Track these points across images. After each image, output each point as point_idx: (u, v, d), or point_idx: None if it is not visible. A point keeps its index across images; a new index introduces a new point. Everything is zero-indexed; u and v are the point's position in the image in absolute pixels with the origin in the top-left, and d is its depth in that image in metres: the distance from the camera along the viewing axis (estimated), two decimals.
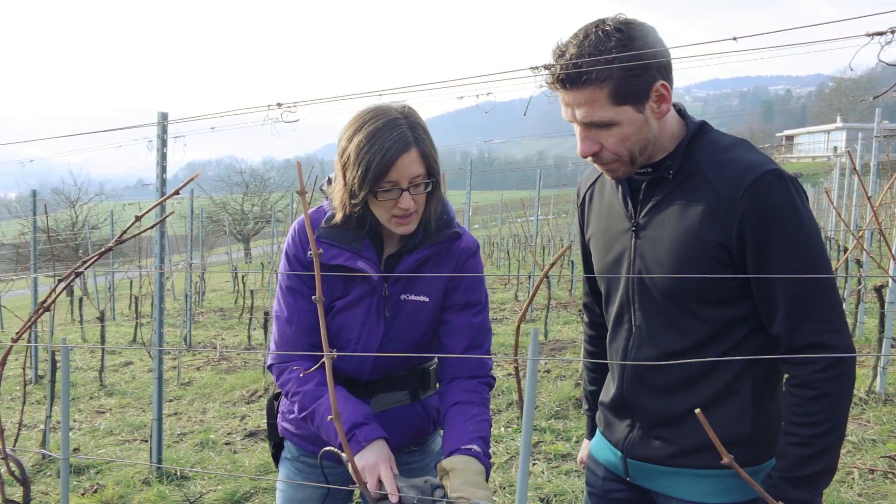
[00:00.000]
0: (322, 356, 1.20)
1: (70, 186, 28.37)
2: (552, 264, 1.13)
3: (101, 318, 6.82)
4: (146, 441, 4.95)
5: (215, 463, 4.47)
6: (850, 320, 7.63)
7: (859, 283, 7.33)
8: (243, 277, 12.20)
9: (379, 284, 1.74)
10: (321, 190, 1.84)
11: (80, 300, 10.41)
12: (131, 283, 11.91)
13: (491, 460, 1.68)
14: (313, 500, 1.92)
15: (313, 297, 1.61)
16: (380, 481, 1.57)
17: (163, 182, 4.21)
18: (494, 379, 1.85)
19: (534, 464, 4.29)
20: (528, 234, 11.72)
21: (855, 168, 3.43)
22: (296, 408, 1.74)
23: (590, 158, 1.49)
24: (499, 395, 5.75)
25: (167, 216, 1.99)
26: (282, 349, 1.78)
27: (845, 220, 11.98)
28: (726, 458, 1.02)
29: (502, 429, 4.93)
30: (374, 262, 1.74)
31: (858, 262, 6.89)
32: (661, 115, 1.44)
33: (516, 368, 1.41)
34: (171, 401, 6.25)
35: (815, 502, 1.41)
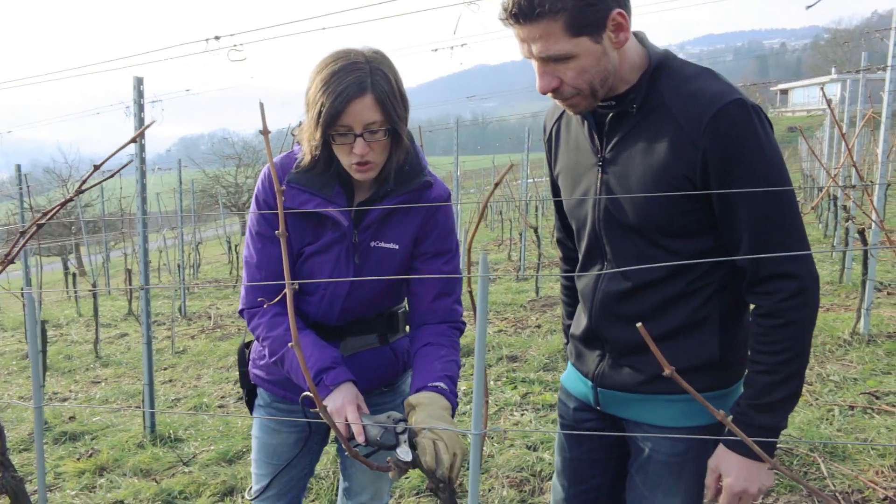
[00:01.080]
0: (290, 295, 1.21)
1: (61, 165, 28.16)
2: (496, 185, 1.14)
3: (94, 294, 6.86)
4: (140, 407, 5.02)
5: (208, 425, 4.54)
6: (836, 267, 7.68)
7: (847, 231, 7.35)
8: (236, 247, 12.22)
9: (349, 231, 1.75)
10: (292, 134, 1.84)
11: (74, 276, 10.44)
12: (126, 257, 11.92)
13: (458, 399, 1.71)
14: (287, 447, 1.95)
15: (276, 231, 1.63)
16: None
17: (142, 148, 4.20)
18: (465, 324, 1.87)
19: (522, 414, 4.36)
20: (519, 196, 11.72)
21: (834, 117, 3.43)
22: (266, 352, 1.77)
23: (550, 95, 1.48)
24: (488, 350, 5.81)
25: (128, 163, 1.99)
26: (251, 294, 1.80)
27: (827, 166, 11.96)
28: (667, 370, 1.04)
29: (492, 382, 5.00)
30: (346, 211, 1.75)
31: (846, 209, 6.91)
32: (619, 44, 1.42)
33: (470, 293, 1.42)
34: (165, 369, 6.31)
35: (781, 426, 1.45)
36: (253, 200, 1.81)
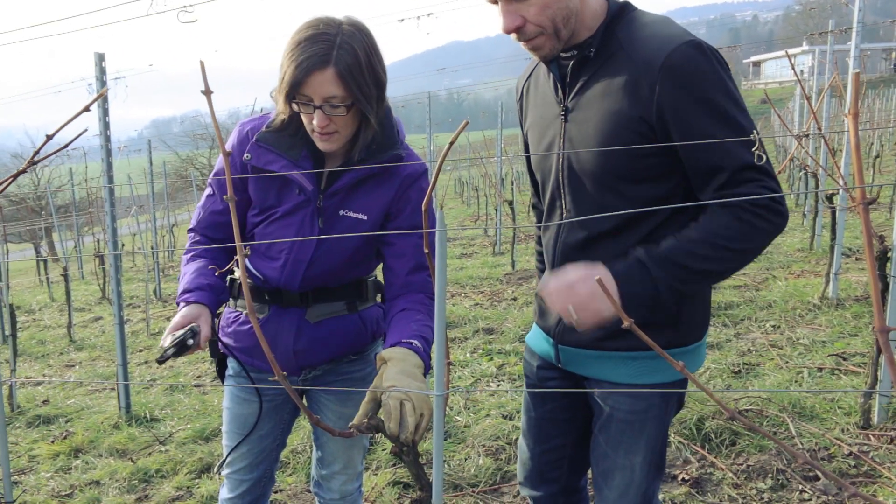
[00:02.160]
0: (234, 251, 1.21)
1: (29, 149, 27.61)
2: (449, 146, 1.13)
3: (66, 276, 6.76)
4: (114, 389, 4.98)
5: (185, 404, 4.52)
6: (807, 235, 7.79)
7: (816, 199, 7.46)
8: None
9: (313, 196, 1.73)
10: (270, 96, 1.82)
11: (46, 262, 10.30)
12: (98, 242, 11.75)
13: (429, 361, 1.71)
14: (257, 416, 1.94)
15: (224, 196, 1.61)
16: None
17: (106, 125, 4.12)
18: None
19: (498, 384, 4.39)
20: (495, 172, 11.73)
21: (802, 87, 3.46)
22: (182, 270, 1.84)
23: (514, 37, 1.47)
24: (465, 323, 5.83)
25: (82, 133, 1.96)
26: (199, 225, 1.88)
27: (796, 133, 12.06)
28: (626, 322, 1.04)
29: (468, 354, 5.02)
30: (311, 175, 1.73)
31: (815, 177, 7.00)
32: None
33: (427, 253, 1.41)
34: (141, 350, 6.26)
35: (659, 287, 1.40)
36: (219, 157, 1.81)
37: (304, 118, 1.65)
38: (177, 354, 1.60)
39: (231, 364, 1.98)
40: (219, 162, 1.85)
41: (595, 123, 1.47)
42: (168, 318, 7.51)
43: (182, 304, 1.71)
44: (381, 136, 1.73)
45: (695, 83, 1.36)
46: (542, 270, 1.90)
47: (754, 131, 1.38)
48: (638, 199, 1.48)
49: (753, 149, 1.37)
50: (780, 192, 1.37)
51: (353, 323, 1.91)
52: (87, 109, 1.64)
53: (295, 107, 1.62)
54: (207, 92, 1.20)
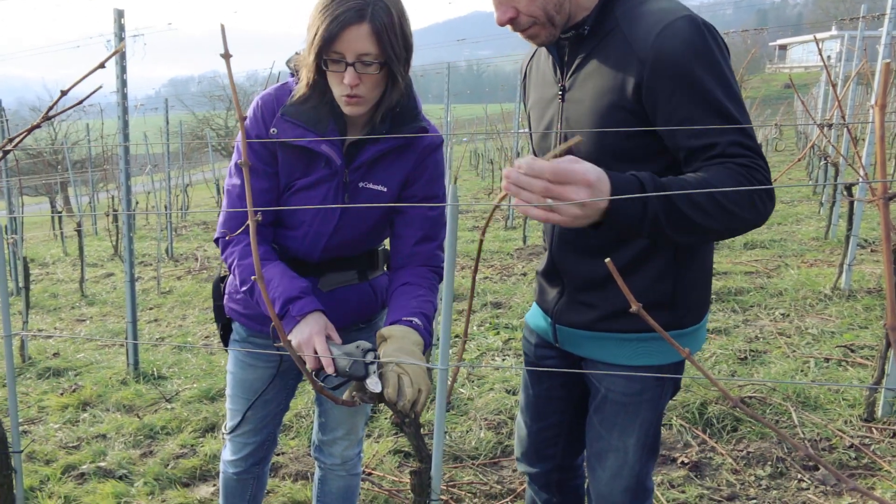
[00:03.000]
0: (252, 228, 1.19)
1: (46, 103, 27.68)
2: (496, 205, 1.12)
3: (80, 232, 6.81)
4: (123, 344, 5.04)
5: (192, 363, 4.57)
6: (823, 224, 7.71)
7: (835, 189, 7.37)
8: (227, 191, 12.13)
9: (341, 169, 1.72)
10: (287, 65, 1.79)
11: (60, 217, 10.37)
12: (112, 199, 11.83)
13: (432, 337, 1.71)
14: (262, 381, 1.96)
15: (239, 161, 1.59)
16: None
17: (123, 83, 4.11)
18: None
19: (503, 359, 4.41)
20: (511, 145, 11.68)
21: (829, 74, 3.39)
22: (237, 281, 1.76)
23: (510, 28, 1.46)
24: (474, 296, 5.83)
25: (97, 89, 1.95)
26: (229, 223, 1.78)
27: (819, 121, 11.89)
28: (634, 306, 1.03)
29: (475, 328, 5.04)
30: (338, 146, 1.71)
31: (836, 166, 6.90)
32: None
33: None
34: (151, 308, 6.32)
35: (648, 222, 1.23)
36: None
37: (332, 79, 1.61)
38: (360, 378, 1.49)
39: (237, 329, 1.99)
40: (238, 139, 1.81)
41: (589, 103, 1.45)
42: (179, 278, 7.57)
43: (298, 317, 1.62)
44: (405, 104, 1.71)
45: (683, 60, 1.30)
46: (546, 249, 1.89)
47: (745, 124, 1.31)
48: None
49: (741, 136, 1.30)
50: (771, 182, 1.30)
51: (364, 292, 1.92)
52: (102, 66, 1.63)
53: (324, 66, 1.59)
54: (227, 55, 1.19)
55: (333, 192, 1.75)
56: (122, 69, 4.08)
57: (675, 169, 1.42)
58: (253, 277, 1.30)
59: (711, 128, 1.30)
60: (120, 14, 4.05)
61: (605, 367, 1.60)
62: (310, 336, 1.59)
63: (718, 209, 1.25)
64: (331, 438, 2.08)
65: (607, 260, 1.01)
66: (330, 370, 1.54)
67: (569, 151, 1.41)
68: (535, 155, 1.72)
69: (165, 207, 8.74)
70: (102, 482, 3.06)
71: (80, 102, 1.69)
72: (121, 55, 4.02)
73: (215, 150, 26.77)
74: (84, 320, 6.09)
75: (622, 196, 1.18)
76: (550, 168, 1.12)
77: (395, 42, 1.57)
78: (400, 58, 1.60)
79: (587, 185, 1.14)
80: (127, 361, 4.45)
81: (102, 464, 3.23)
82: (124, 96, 4.13)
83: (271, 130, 1.70)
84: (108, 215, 8.15)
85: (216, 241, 1.82)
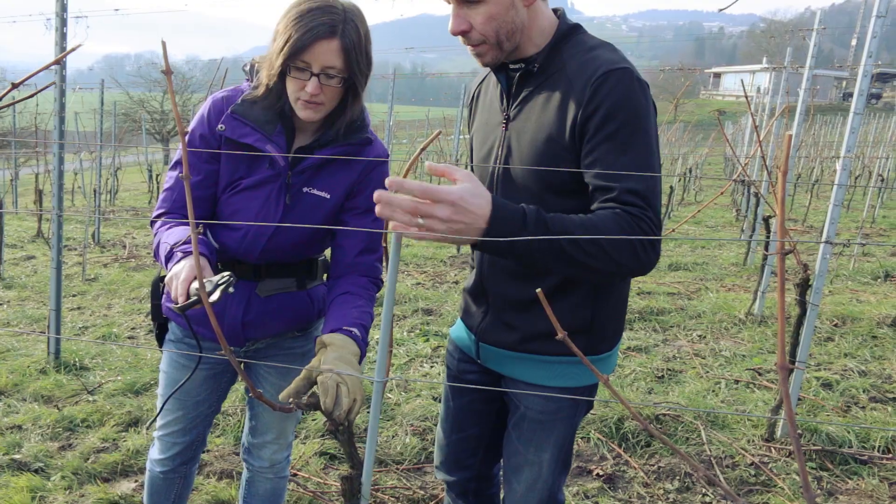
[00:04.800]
0: (194, 238, 1.23)
1: None
2: (423, 148, 1.19)
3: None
4: (45, 333, 4.89)
5: (116, 355, 4.48)
6: (742, 250, 8.11)
7: (755, 217, 7.76)
8: (157, 177, 11.82)
9: (283, 171, 1.77)
10: (242, 69, 1.86)
11: None
12: (36, 177, 11.35)
13: (367, 347, 1.78)
14: (195, 382, 1.98)
15: (179, 175, 1.63)
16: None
17: (62, 65, 4.01)
18: (383, 282, 1.92)
19: (431, 366, 4.49)
20: (450, 151, 11.79)
21: (747, 101, 3.61)
22: (154, 242, 1.80)
23: (461, 39, 1.55)
24: (405, 301, 5.91)
25: (48, 85, 1.94)
26: (162, 208, 1.83)
27: (746, 152, 12.48)
28: (560, 334, 1.13)
29: (405, 333, 5.11)
30: (283, 148, 1.77)
31: (757, 194, 7.28)
32: (528, 2, 1.51)
33: (385, 246, 1.48)
34: (74, 295, 6.14)
35: (521, 247, 1.32)
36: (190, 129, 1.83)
37: (292, 85, 1.68)
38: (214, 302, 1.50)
39: (172, 328, 2.00)
40: (189, 140, 1.85)
41: (530, 134, 1.56)
42: (105, 265, 7.37)
43: (179, 255, 1.65)
44: (355, 119, 1.79)
45: (613, 107, 1.42)
46: (472, 268, 1.98)
47: (651, 174, 1.43)
48: (566, 210, 1.53)
49: (646, 184, 1.41)
50: (659, 235, 1.40)
51: (302, 300, 1.96)
52: (57, 62, 1.64)
53: (288, 72, 1.65)
54: (168, 72, 1.24)
55: (276, 194, 1.79)
56: (62, 50, 3.98)
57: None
58: (193, 299, 1.33)
59: (615, 173, 1.41)
60: None
61: (525, 385, 1.70)
62: (181, 270, 1.59)
63: (599, 251, 1.34)
64: (260, 442, 2.11)
65: (538, 290, 1.11)
66: (181, 299, 1.55)
67: (510, 177, 1.51)
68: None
69: (94, 190, 8.46)
70: (16, 475, 2.98)
71: (30, 97, 1.69)
72: (62, 37, 3.93)
73: (149, 133, 25.98)
74: (1, 304, 5.86)
75: (481, 216, 1.26)
76: (419, 187, 1.21)
77: (360, 60, 1.66)
78: (362, 75, 1.70)
79: (451, 204, 1.22)
80: (48, 350, 4.32)
81: (17, 456, 3.15)
82: (63, 78, 4.03)
83: (219, 127, 1.76)
84: (36, 202, 7.85)
85: (151, 224, 1.86)
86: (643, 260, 1.39)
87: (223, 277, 1.54)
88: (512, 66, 1.60)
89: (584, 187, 1.51)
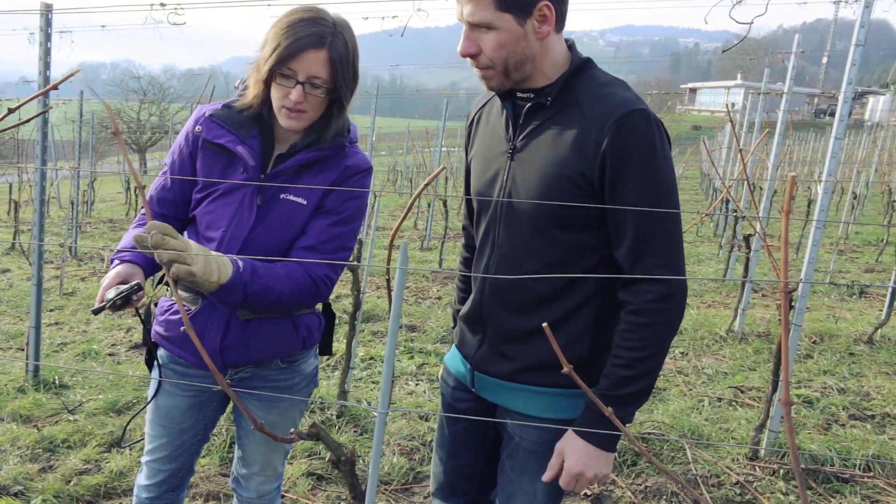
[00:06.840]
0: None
1: None
2: (425, 185, 1.20)
3: None
4: (23, 349, 4.81)
5: (98, 373, 4.41)
6: (722, 266, 8.21)
7: (734, 233, 7.88)
8: (136, 188, 11.69)
9: (254, 174, 1.76)
10: (235, 87, 1.88)
11: None
12: (10, 187, 11.18)
13: (245, 287, 1.65)
14: (181, 410, 1.95)
15: (141, 209, 1.64)
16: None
17: (46, 80, 3.97)
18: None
19: (417, 384, 4.48)
20: (431, 164, 11.83)
21: (731, 122, 3.67)
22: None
23: (470, 61, 1.56)
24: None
25: (46, 111, 1.93)
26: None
27: (724, 169, 12.69)
28: (566, 368, 1.14)
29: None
30: (256, 152, 1.77)
31: (735, 215, 7.38)
32: (541, 35, 1.51)
33: (388, 280, 1.48)
34: (52, 310, 6.04)
35: (626, 420, 1.56)
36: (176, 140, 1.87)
37: (276, 92, 1.69)
38: (119, 308, 1.62)
39: (161, 354, 1.98)
40: (175, 143, 1.87)
41: (539, 167, 1.56)
42: (83, 279, 7.27)
43: (116, 262, 1.72)
44: (339, 131, 1.80)
45: (637, 151, 1.47)
46: (461, 291, 1.97)
47: (674, 210, 1.52)
48: (565, 245, 1.57)
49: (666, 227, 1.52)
50: (682, 276, 1.51)
51: (285, 326, 1.88)
52: (55, 87, 1.62)
53: (273, 79, 1.67)
54: (117, 132, 1.27)
55: (249, 198, 1.78)
56: (46, 65, 3.94)
57: (607, 241, 1.55)
58: (182, 328, 1.33)
59: (640, 243, 1.51)
60: (48, 8, 3.91)
61: (519, 416, 1.70)
62: (113, 277, 1.67)
63: (654, 357, 1.56)
64: (248, 472, 2.07)
65: (545, 324, 1.12)
66: (96, 303, 1.64)
67: (514, 207, 1.57)
68: (470, 201, 1.82)
69: (72, 203, 8.35)
70: None
71: (23, 122, 1.67)
72: (46, 52, 3.89)
73: (125, 143, 25.68)
74: None
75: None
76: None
77: (346, 72, 1.69)
78: (348, 87, 1.72)
79: (595, 473, 1.58)
80: (26, 368, 4.25)
81: None
82: (46, 93, 3.98)
83: (196, 128, 1.80)
84: (11, 214, 7.74)
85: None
86: (680, 315, 1.58)
87: (130, 287, 1.63)
88: (520, 96, 1.60)
89: (589, 224, 1.54)
